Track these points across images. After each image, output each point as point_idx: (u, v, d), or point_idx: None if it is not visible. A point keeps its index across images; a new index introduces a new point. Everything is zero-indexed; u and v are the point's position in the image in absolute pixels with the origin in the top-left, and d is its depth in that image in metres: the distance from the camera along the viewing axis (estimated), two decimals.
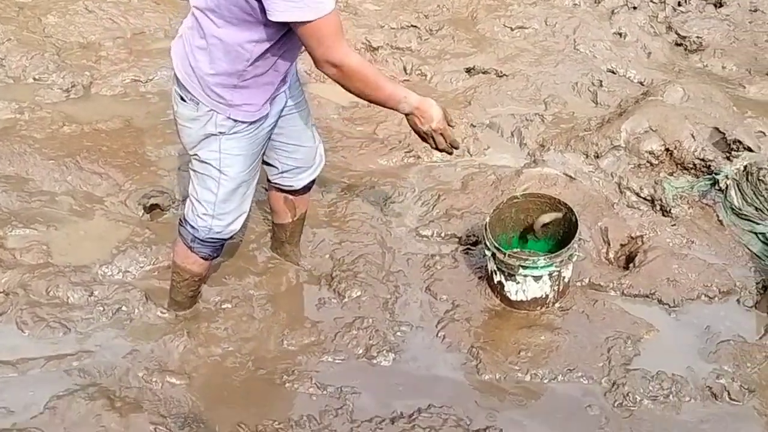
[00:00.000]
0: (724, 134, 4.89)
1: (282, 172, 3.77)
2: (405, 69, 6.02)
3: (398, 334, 3.92)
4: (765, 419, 3.58)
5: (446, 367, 3.80)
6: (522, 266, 3.88)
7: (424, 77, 5.95)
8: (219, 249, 3.68)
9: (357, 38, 6.26)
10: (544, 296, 4.00)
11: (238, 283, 4.14)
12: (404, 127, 5.26)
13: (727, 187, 4.56)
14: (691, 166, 4.80)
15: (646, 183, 4.77)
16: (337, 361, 3.80)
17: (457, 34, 6.39)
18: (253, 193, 3.58)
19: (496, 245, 3.93)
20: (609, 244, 4.45)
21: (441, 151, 3.42)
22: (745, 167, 4.54)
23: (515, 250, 4.25)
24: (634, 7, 6.70)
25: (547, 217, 4.06)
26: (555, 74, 5.89)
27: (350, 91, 3.14)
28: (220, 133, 3.24)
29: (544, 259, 3.89)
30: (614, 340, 3.87)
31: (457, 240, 4.45)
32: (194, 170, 3.42)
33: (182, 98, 3.22)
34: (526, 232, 4.26)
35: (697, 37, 6.42)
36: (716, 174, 4.65)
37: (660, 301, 4.11)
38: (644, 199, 4.72)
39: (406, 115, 3.28)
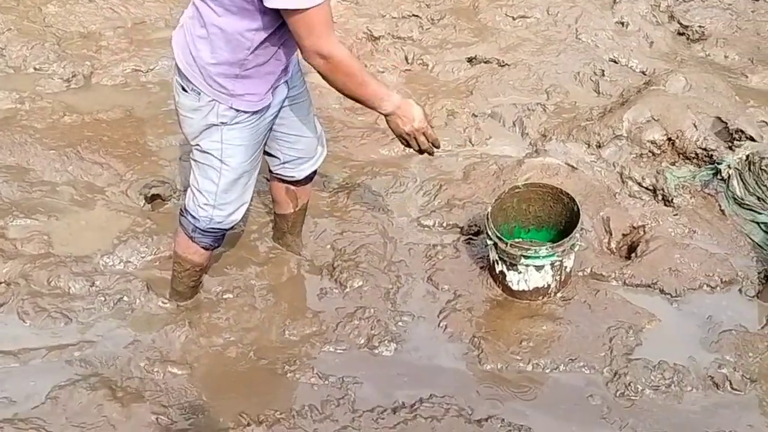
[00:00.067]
0: (726, 124, 4.88)
1: (284, 163, 3.76)
2: (406, 58, 6.01)
3: (400, 324, 3.92)
4: (767, 408, 3.58)
5: (448, 357, 3.80)
6: (524, 256, 3.88)
7: (426, 67, 5.94)
8: (220, 239, 3.68)
9: (358, 27, 6.25)
10: (545, 286, 3.99)
11: (239, 273, 4.14)
12: None
13: (729, 177, 4.55)
14: (693, 155, 4.79)
15: (648, 173, 4.76)
16: (338, 351, 3.80)
17: (459, 23, 6.37)
18: (254, 184, 3.57)
19: (498, 235, 3.93)
20: (611, 234, 4.44)
21: (423, 152, 3.41)
22: (748, 157, 4.53)
23: (517, 239, 4.24)
24: None
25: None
26: (557, 64, 5.87)
27: (335, 85, 3.12)
28: (222, 123, 3.23)
29: (546, 249, 3.89)
30: (616, 330, 3.87)
31: (458, 230, 4.45)
32: (195, 160, 3.41)
33: (184, 88, 3.22)
34: (527, 221, 4.26)
35: (700, 26, 6.40)
36: (718, 164, 4.65)
37: (662, 291, 4.11)
38: (646, 188, 4.71)
39: (387, 115, 3.26)
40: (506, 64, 5.91)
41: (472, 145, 5.14)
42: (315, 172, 3.93)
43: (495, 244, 3.94)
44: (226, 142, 3.29)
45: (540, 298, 4.03)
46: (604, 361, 3.74)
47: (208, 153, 3.33)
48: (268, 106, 3.31)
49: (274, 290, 4.08)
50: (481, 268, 4.19)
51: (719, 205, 4.56)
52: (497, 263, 4.02)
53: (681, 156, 4.85)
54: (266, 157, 3.76)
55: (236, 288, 4.05)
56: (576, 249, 4.00)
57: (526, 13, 6.45)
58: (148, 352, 3.72)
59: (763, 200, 4.42)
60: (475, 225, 4.42)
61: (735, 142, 4.76)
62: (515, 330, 3.89)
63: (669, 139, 4.89)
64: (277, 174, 3.86)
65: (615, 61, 5.99)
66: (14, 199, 4.52)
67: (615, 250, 4.41)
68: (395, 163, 4.92)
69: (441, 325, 3.93)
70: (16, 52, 5.82)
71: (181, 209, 3.62)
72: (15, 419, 3.37)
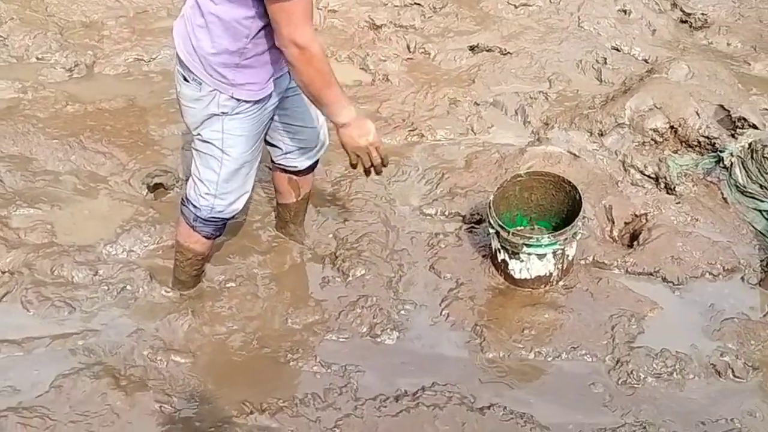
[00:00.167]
0: (728, 111, 4.88)
1: (286, 153, 3.76)
2: (408, 47, 6.00)
3: (402, 312, 3.93)
4: None
5: (450, 346, 3.81)
6: (526, 244, 3.88)
7: (428, 55, 5.93)
8: (221, 228, 3.68)
9: (360, 16, 6.25)
10: (548, 274, 4.00)
11: (242, 262, 4.14)
12: (407, 106, 5.29)
13: (731, 165, 4.55)
14: (695, 143, 4.79)
15: (651, 161, 4.75)
16: (341, 340, 3.81)
17: (461, 11, 6.36)
18: (255, 173, 3.58)
19: (500, 223, 3.93)
20: (613, 222, 4.44)
21: (370, 168, 3.33)
22: (750, 145, 4.52)
23: (519, 228, 4.24)
24: None
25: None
26: (559, 52, 5.87)
27: (302, 79, 3.06)
28: (223, 113, 3.24)
29: (548, 238, 3.89)
30: (618, 318, 3.87)
31: (460, 218, 4.45)
32: (197, 150, 3.42)
33: (185, 78, 3.22)
34: (530, 210, 4.26)
35: (702, 14, 6.39)
36: (721, 151, 4.64)
37: (664, 279, 4.11)
38: (648, 176, 4.71)
39: (342, 126, 3.19)
40: (508, 52, 5.91)
41: (474, 133, 5.14)
42: (317, 162, 3.94)
43: (497, 233, 3.94)
44: (227, 132, 3.29)
45: (542, 286, 4.03)
46: (607, 349, 3.75)
47: (209, 143, 3.33)
48: (270, 96, 3.31)
49: (277, 279, 4.08)
50: (483, 256, 4.19)
51: (722, 193, 4.56)
52: (499, 252, 4.02)
53: (683, 144, 4.84)
54: (268, 147, 3.76)
55: (239, 277, 4.06)
56: (578, 237, 4.00)
57: (528, 1, 6.45)
58: (152, 341, 3.72)
59: (766, 188, 4.42)
60: (477, 213, 4.42)
61: (737, 130, 4.75)
62: (517, 318, 3.89)
63: (671, 127, 4.88)
64: (279, 164, 3.86)
65: (617, 49, 5.98)
66: (17, 188, 4.52)
67: (617, 239, 4.41)
68: (397, 152, 4.92)
69: (443, 313, 3.93)
70: (18, 41, 5.82)
71: (182, 198, 3.63)
72: (19, 407, 3.38)
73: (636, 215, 4.47)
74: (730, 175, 4.55)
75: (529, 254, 3.91)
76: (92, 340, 3.72)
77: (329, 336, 3.81)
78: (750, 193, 4.46)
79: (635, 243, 4.31)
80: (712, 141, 4.72)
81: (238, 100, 3.21)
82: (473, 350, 3.77)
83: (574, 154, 4.76)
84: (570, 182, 4.11)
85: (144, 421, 3.38)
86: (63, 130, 4.94)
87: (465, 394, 3.53)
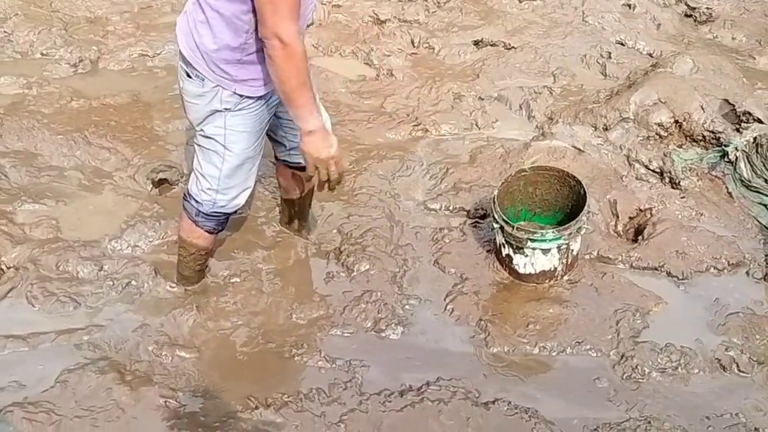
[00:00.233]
0: (733, 106, 4.87)
1: (289, 150, 3.76)
2: (413, 42, 6.00)
3: (407, 307, 3.93)
4: None
5: (454, 340, 3.81)
6: (530, 239, 3.88)
7: (432, 50, 5.93)
8: (224, 222, 3.68)
9: (364, 11, 6.25)
10: (552, 269, 4.00)
11: (246, 258, 4.15)
12: (412, 101, 5.29)
13: (736, 159, 4.54)
14: (700, 138, 4.78)
15: (655, 155, 4.75)
16: (345, 335, 3.81)
17: (465, 6, 6.36)
18: (257, 169, 3.58)
19: (505, 218, 3.93)
20: (618, 217, 4.44)
21: (324, 185, 3.31)
22: (755, 139, 4.52)
23: (523, 223, 4.24)
24: None
25: None
26: (563, 46, 5.87)
27: (280, 75, 3.02)
28: (226, 109, 3.24)
29: (553, 232, 3.89)
30: (623, 313, 3.87)
31: (465, 213, 4.45)
32: (199, 145, 3.42)
33: (188, 74, 3.23)
34: (534, 205, 4.26)
35: (707, 8, 6.38)
36: (726, 146, 4.64)
37: (669, 274, 4.11)
38: (653, 171, 4.70)
39: (308, 133, 3.15)
40: (513, 47, 5.90)
41: (479, 128, 5.14)
42: None
43: (501, 228, 3.94)
44: (229, 128, 3.29)
45: (546, 281, 4.03)
46: (611, 344, 3.75)
47: (211, 138, 3.33)
48: (272, 92, 3.30)
49: (281, 274, 4.09)
50: (488, 251, 4.19)
51: (726, 188, 4.56)
52: (504, 246, 4.02)
53: (688, 138, 4.84)
54: (272, 144, 3.76)
55: (243, 272, 4.06)
56: (583, 232, 3.99)
57: None
58: (157, 336, 3.73)
59: None
60: (482, 208, 4.42)
61: (742, 124, 4.75)
62: (522, 313, 3.89)
63: (676, 122, 4.88)
64: (283, 160, 3.86)
65: (622, 44, 5.97)
66: (22, 184, 4.53)
67: (622, 233, 4.41)
68: (402, 147, 4.92)
69: (448, 308, 3.93)
70: (23, 37, 5.83)
71: (184, 194, 3.63)
72: (25, 402, 3.39)
73: (641, 210, 4.46)
74: (735, 169, 4.55)
75: (534, 249, 3.91)
76: (97, 336, 3.73)
77: (334, 331, 3.82)
78: (755, 187, 4.46)
79: (640, 237, 4.31)
80: (717, 135, 4.72)
81: (241, 96, 3.21)
82: (478, 345, 3.77)
83: (579, 149, 4.76)
84: (574, 177, 4.11)
85: (149, 416, 3.39)
86: (68, 126, 4.95)
87: (470, 389, 3.53)
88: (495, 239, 4.11)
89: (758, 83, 5.33)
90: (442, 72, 5.67)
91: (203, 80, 3.18)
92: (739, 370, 3.65)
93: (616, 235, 4.39)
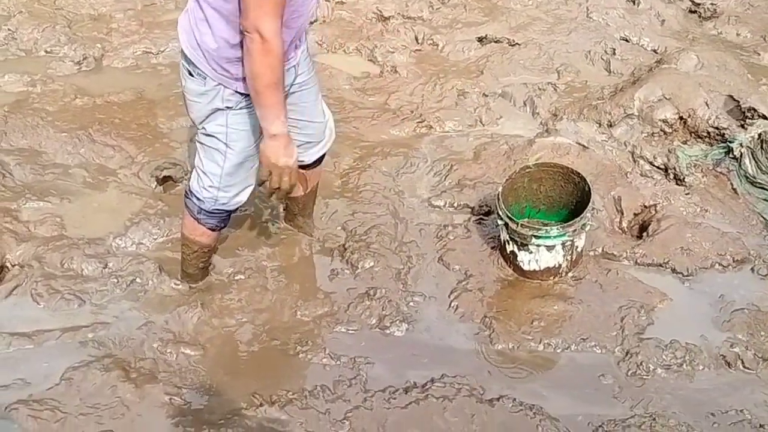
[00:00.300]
0: (738, 102, 4.87)
1: None
2: (416, 38, 6.00)
3: (411, 304, 3.93)
4: None
5: (459, 337, 3.81)
6: (535, 236, 3.88)
7: (436, 47, 5.93)
8: (226, 219, 3.68)
9: (368, 8, 6.24)
10: (557, 266, 3.99)
11: (251, 255, 4.15)
12: (416, 97, 5.29)
13: (741, 156, 4.54)
14: (705, 134, 4.78)
15: (660, 152, 4.74)
16: (350, 332, 3.81)
17: (469, 2, 6.35)
18: (260, 167, 3.57)
19: (509, 215, 3.92)
20: (622, 213, 4.43)
21: (273, 194, 3.31)
22: (760, 135, 4.51)
23: (528, 219, 4.24)
24: None
25: None
26: (568, 43, 5.86)
27: (253, 69, 3.00)
28: (227, 108, 3.24)
29: (557, 229, 3.89)
30: (627, 310, 3.87)
31: (469, 210, 4.45)
32: (201, 143, 3.42)
33: (190, 73, 3.22)
34: (538, 201, 4.26)
35: (712, 3, 6.37)
36: (730, 142, 4.63)
37: (673, 270, 4.11)
38: (658, 167, 4.70)
39: (270, 137, 3.14)
40: (517, 43, 5.90)
41: (483, 125, 5.13)
42: (324, 156, 3.93)
43: (506, 224, 3.94)
44: (231, 127, 3.29)
45: (551, 278, 4.03)
46: (616, 341, 3.74)
47: (213, 136, 3.33)
48: None
49: (286, 271, 4.09)
50: (492, 248, 4.19)
51: (731, 184, 4.55)
52: (508, 243, 4.02)
53: (693, 134, 4.83)
54: None
55: (248, 269, 4.06)
56: (587, 229, 3.99)
57: None
58: (161, 334, 3.73)
59: None
60: (486, 205, 4.42)
61: (747, 120, 4.74)
62: (526, 310, 3.89)
63: (681, 118, 4.87)
64: None
65: (626, 40, 5.96)
66: (27, 181, 4.54)
67: (626, 230, 4.41)
68: (406, 144, 4.92)
69: (452, 305, 3.93)
70: (27, 35, 5.84)
71: (186, 191, 3.62)
72: (30, 400, 3.39)
73: (645, 206, 4.46)
74: (740, 165, 4.54)
75: (538, 246, 3.90)
76: (102, 333, 3.74)
77: (338, 328, 3.82)
78: (760, 183, 4.46)
79: (644, 234, 4.31)
80: (722, 131, 4.71)
81: (242, 94, 3.20)
82: (482, 342, 3.77)
83: (583, 145, 4.75)
84: (579, 173, 4.11)
85: (154, 413, 3.39)
86: (72, 123, 4.95)
87: (474, 386, 3.52)
88: (499, 236, 4.10)
89: (763, 79, 5.32)
90: (446, 69, 5.66)
91: (205, 79, 3.18)
92: (744, 367, 3.64)
93: (620, 231, 4.38)
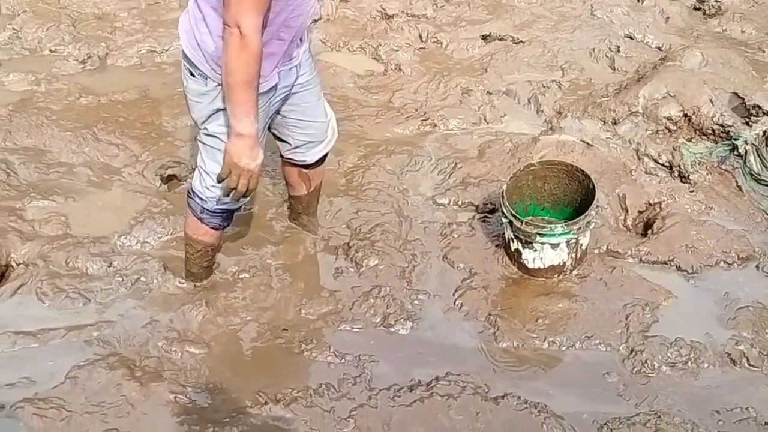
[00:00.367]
0: (743, 99, 4.86)
1: (295, 148, 3.76)
2: (420, 36, 6.00)
3: (416, 302, 3.93)
4: None
5: (464, 335, 3.81)
6: (539, 234, 3.88)
7: (440, 45, 5.92)
8: (229, 218, 3.68)
9: (372, 6, 6.24)
10: (561, 264, 3.99)
11: (255, 253, 4.15)
12: (420, 95, 5.29)
13: (746, 153, 4.53)
14: (709, 131, 4.77)
15: (664, 149, 4.74)
16: (355, 330, 3.81)
17: (473, 0, 6.35)
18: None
19: (513, 213, 3.92)
20: (627, 211, 4.43)
21: (233, 190, 3.26)
22: (765, 132, 4.51)
23: (532, 217, 4.23)
24: None
25: None
26: (572, 40, 5.86)
27: (227, 64, 2.97)
28: None
29: (562, 227, 3.88)
30: (632, 307, 3.86)
31: (474, 208, 4.45)
32: (203, 143, 3.41)
33: (191, 73, 3.22)
34: (543, 199, 4.25)
35: (716, 1, 6.36)
36: (735, 139, 4.62)
37: (678, 268, 4.10)
38: (662, 165, 4.69)
39: (236, 136, 3.11)
40: (521, 41, 5.90)
41: (487, 122, 5.13)
42: (327, 155, 3.93)
43: (510, 222, 3.94)
44: None
45: (556, 275, 4.03)
46: (621, 339, 3.74)
47: (215, 136, 3.32)
48: (275, 89, 3.30)
49: (290, 270, 4.09)
50: (497, 246, 4.19)
51: (736, 181, 4.55)
52: (512, 241, 4.02)
53: (697, 132, 4.83)
54: (277, 142, 3.76)
55: (252, 268, 4.07)
56: (592, 226, 3.99)
57: None
58: (166, 332, 3.73)
59: None
60: (491, 203, 4.42)
61: (752, 117, 4.74)
62: (531, 308, 3.89)
63: (685, 115, 4.87)
64: (288, 159, 3.86)
65: (630, 37, 5.96)
66: (31, 180, 4.54)
67: (631, 227, 4.40)
68: (410, 142, 4.92)
69: (457, 303, 3.93)
70: (31, 34, 5.85)
71: (188, 191, 3.62)
72: (35, 399, 3.39)
73: (650, 204, 4.45)
74: (745, 163, 4.54)
75: (543, 243, 3.90)
76: (107, 332, 3.74)
77: (343, 326, 3.82)
78: (765, 181, 4.45)
79: (649, 232, 4.30)
80: (727, 129, 4.70)
81: None
82: (487, 340, 3.76)
83: (588, 143, 4.75)
84: (583, 171, 4.10)
85: (159, 411, 3.39)
86: (76, 122, 4.96)
87: (479, 384, 3.52)
88: (504, 234, 4.10)
89: (767, 76, 5.32)
90: (450, 67, 5.66)
91: (206, 79, 3.17)
92: (749, 364, 3.64)
93: (625, 229, 4.38)
